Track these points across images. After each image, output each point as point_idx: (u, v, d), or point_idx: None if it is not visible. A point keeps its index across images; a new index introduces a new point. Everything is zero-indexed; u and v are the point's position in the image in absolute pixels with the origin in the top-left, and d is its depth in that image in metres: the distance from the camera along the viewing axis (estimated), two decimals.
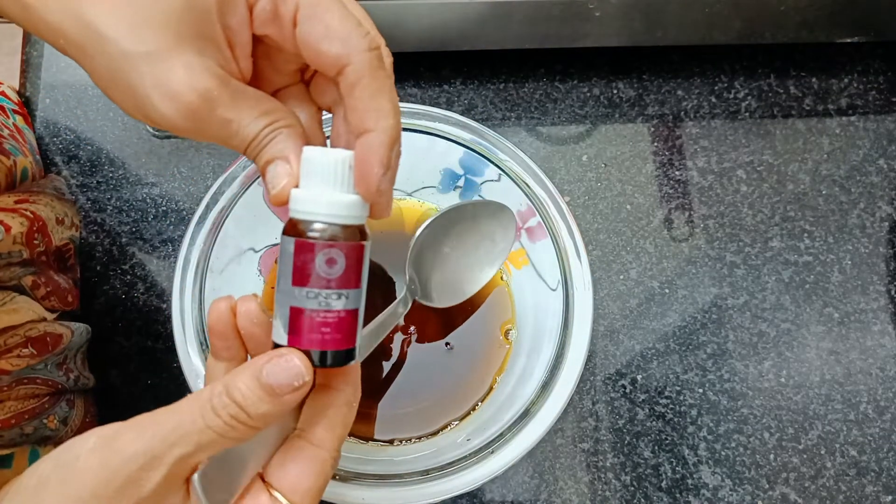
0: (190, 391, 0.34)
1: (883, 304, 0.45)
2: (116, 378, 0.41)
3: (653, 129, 0.49)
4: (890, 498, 0.41)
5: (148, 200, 0.45)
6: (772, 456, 0.42)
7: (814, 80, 0.51)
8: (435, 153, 0.40)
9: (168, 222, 0.45)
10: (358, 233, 0.23)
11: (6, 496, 0.21)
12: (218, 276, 0.37)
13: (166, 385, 0.41)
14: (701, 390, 0.43)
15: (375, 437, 0.38)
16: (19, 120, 0.45)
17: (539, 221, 0.38)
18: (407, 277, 0.36)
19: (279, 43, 0.24)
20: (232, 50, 0.23)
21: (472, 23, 0.43)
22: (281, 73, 0.26)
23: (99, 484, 0.20)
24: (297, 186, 0.23)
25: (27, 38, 0.49)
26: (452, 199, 0.42)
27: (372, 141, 0.23)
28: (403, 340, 0.40)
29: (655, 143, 0.49)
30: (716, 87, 0.50)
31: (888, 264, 0.46)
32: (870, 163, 0.49)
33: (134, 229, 0.45)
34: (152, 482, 0.20)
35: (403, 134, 0.39)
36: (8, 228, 0.35)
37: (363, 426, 0.38)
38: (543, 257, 0.39)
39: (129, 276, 0.44)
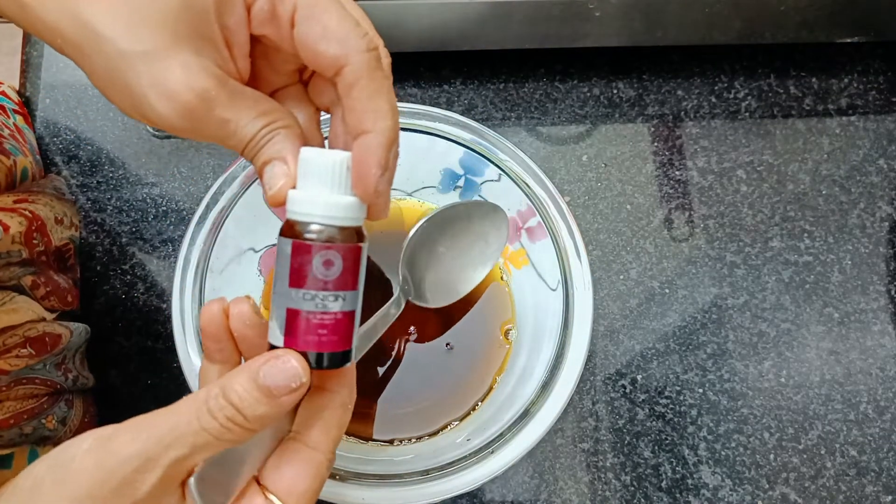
0: (190, 391, 0.34)
1: (883, 304, 0.45)
2: (116, 378, 0.41)
3: (653, 129, 0.49)
4: (890, 498, 0.41)
5: (148, 200, 0.45)
6: (772, 456, 0.42)
7: (814, 80, 0.51)
8: (435, 153, 0.40)
9: (168, 222, 0.45)
10: (355, 234, 0.23)
11: (1, 498, 0.21)
12: (218, 276, 0.37)
13: (166, 385, 0.41)
14: (701, 390, 0.43)
15: (375, 436, 0.38)
16: (20, 120, 0.45)
17: (539, 221, 0.38)
18: (400, 278, 0.36)
19: (277, 43, 0.24)
20: (230, 50, 0.23)
21: (472, 23, 0.43)
22: (279, 74, 0.26)
23: (94, 485, 0.20)
24: (294, 187, 0.23)
25: (27, 38, 0.49)
26: (452, 199, 0.42)
27: (369, 142, 0.23)
28: (403, 340, 0.40)
29: (655, 143, 0.49)
30: (716, 87, 0.50)
31: (888, 264, 0.46)
32: (870, 163, 0.49)
33: (134, 229, 0.45)
34: (147, 484, 0.20)
35: (403, 134, 0.39)
36: (7, 228, 0.35)
37: (362, 426, 0.38)
38: (543, 257, 0.39)
39: (129, 276, 0.44)
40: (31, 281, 0.37)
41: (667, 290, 0.45)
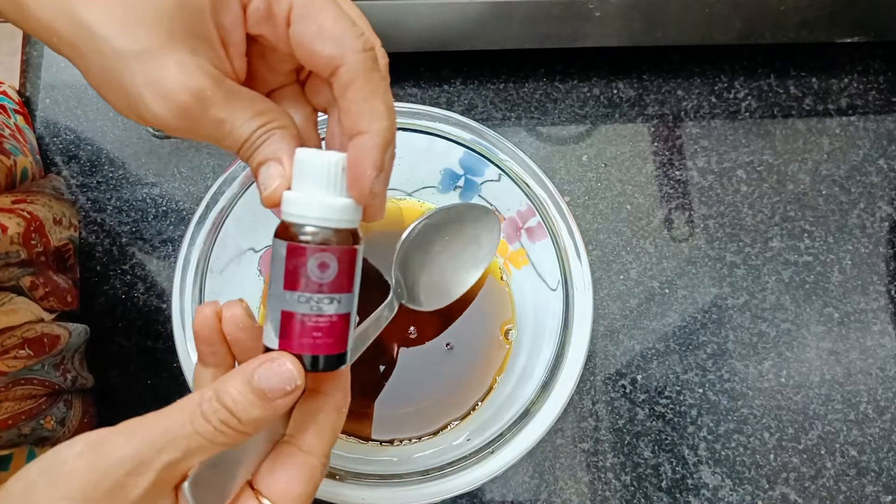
0: (190, 391, 0.34)
1: (883, 304, 0.45)
2: (116, 378, 0.41)
3: (653, 129, 0.49)
4: (890, 498, 0.41)
5: (148, 200, 0.45)
6: (772, 456, 0.42)
7: (814, 80, 0.51)
8: (435, 153, 0.40)
9: (168, 222, 0.45)
10: (351, 236, 0.23)
11: None
12: (218, 276, 0.37)
13: (166, 385, 0.41)
14: (701, 390, 0.43)
15: (375, 436, 0.38)
16: (20, 119, 0.45)
17: (539, 221, 0.38)
18: (393, 281, 0.36)
19: (273, 43, 0.24)
20: (226, 49, 0.23)
21: (472, 23, 0.43)
22: (276, 73, 0.26)
23: (87, 487, 0.20)
24: (289, 188, 0.23)
25: (27, 39, 0.49)
26: (452, 199, 0.42)
27: (365, 143, 0.23)
28: (403, 341, 0.40)
29: (655, 143, 0.49)
30: (716, 87, 0.50)
31: (888, 264, 0.46)
32: (870, 163, 0.49)
33: (134, 229, 0.45)
34: (140, 488, 0.20)
35: (403, 134, 0.39)
36: (5, 229, 0.35)
37: (360, 425, 0.38)
38: (543, 257, 0.39)
39: (129, 276, 0.44)
40: (30, 282, 0.37)
41: (667, 290, 0.45)
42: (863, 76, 0.51)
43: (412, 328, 0.40)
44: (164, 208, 0.45)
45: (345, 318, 0.23)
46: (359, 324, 0.32)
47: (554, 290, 0.38)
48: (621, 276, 0.45)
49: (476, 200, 0.41)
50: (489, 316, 0.41)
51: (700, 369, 0.43)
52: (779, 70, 0.51)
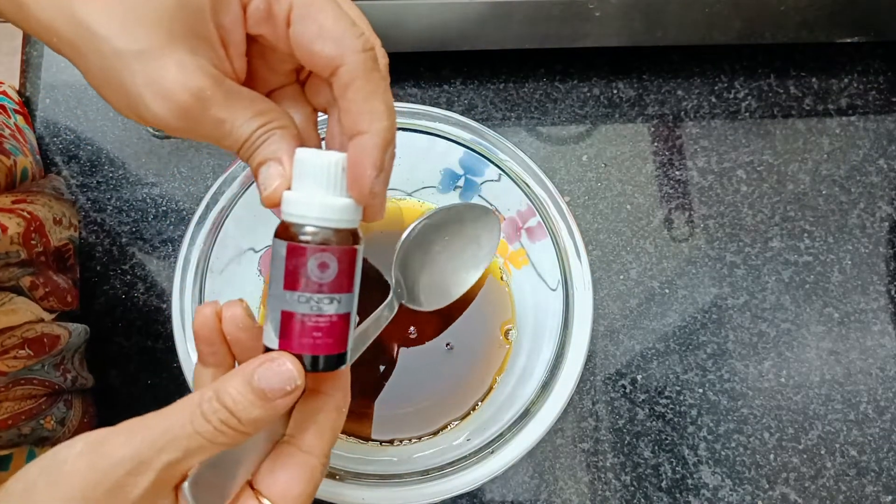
0: (190, 391, 0.34)
1: (883, 304, 0.45)
2: (116, 378, 0.41)
3: (653, 129, 0.49)
4: (890, 498, 0.41)
5: (148, 200, 0.45)
6: (772, 456, 0.42)
7: (814, 80, 0.51)
8: (435, 153, 0.40)
9: (168, 222, 0.45)
10: (351, 236, 0.23)
11: None
12: (218, 276, 0.37)
13: (166, 385, 0.41)
14: (701, 390, 0.43)
15: (375, 436, 0.38)
16: (20, 119, 0.45)
17: (539, 221, 0.38)
18: (393, 281, 0.36)
19: (273, 43, 0.24)
20: (226, 49, 0.23)
21: (472, 23, 0.43)
22: (276, 73, 0.26)
23: (87, 487, 0.20)
24: (289, 188, 0.23)
25: (27, 38, 0.49)
26: (452, 199, 0.42)
27: (365, 143, 0.22)
28: (403, 341, 0.40)
29: (655, 143, 0.49)
30: (716, 87, 0.50)
31: (888, 264, 0.46)
32: (870, 163, 0.49)
33: (134, 229, 0.45)
34: (140, 488, 0.20)
35: (404, 134, 0.39)
36: (4, 229, 0.35)
37: (360, 425, 0.38)
38: (543, 257, 0.39)
39: (129, 276, 0.44)
40: (30, 282, 0.37)
41: (667, 290, 0.45)
42: (863, 76, 0.51)
43: (412, 328, 0.40)
44: (164, 208, 0.45)
45: (345, 318, 0.23)
46: (359, 324, 0.32)
47: (554, 290, 0.38)
48: (621, 276, 0.45)
49: (476, 200, 0.41)
50: (489, 316, 0.41)
51: (700, 369, 0.43)
52: (779, 70, 0.51)
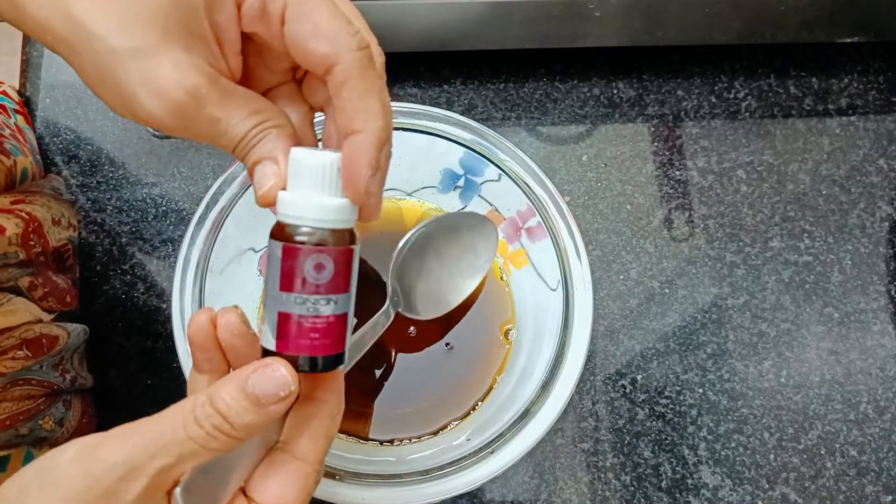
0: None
1: (883, 304, 0.45)
2: (116, 378, 0.41)
3: (653, 129, 0.49)
4: (890, 498, 0.41)
5: (148, 200, 0.45)
6: (772, 456, 0.42)
7: (814, 80, 0.51)
8: (435, 153, 0.40)
9: (168, 222, 0.45)
10: (347, 237, 0.23)
11: None
12: (218, 276, 0.37)
13: (166, 385, 0.41)
14: (701, 390, 0.43)
15: (375, 437, 0.38)
16: (20, 119, 0.45)
17: (539, 221, 0.38)
18: (389, 289, 0.36)
19: (268, 41, 0.24)
20: (221, 47, 0.23)
21: (472, 23, 0.43)
22: (272, 72, 0.26)
23: (80, 492, 0.20)
24: (284, 188, 0.23)
25: (27, 39, 0.49)
26: (452, 198, 0.42)
27: (360, 142, 0.22)
28: (403, 341, 0.40)
29: (655, 143, 0.49)
30: (716, 87, 0.50)
31: (888, 264, 0.46)
32: (870, 163, 0.49)
33: (134, 229, 0.45)
34: (132, 493, 0.20)
35: (404, 134, 0.39)
36: (3, 230, 0.35)
37: (360, 425, 0.38)
38: (543, 257, 0.39)
39: (129, 276, 0.44)
40: (29, 282, 0.37)
41: (667, 290, 0.45)
42: (863, 76, 0.51)
43: (412, 328, 0.40)
44: (164, 208, 0.45)
45: (342, 319, 0.23)
46: (355, 330, 0.32)
47: (554, 290, 0.38)
48: (621, 276, 0.45)
49: (476, 200, 0.41)
50: (489, 316, 0.41)
51: (700, 369, 0.43)
52: (779, 70, 0.51)
